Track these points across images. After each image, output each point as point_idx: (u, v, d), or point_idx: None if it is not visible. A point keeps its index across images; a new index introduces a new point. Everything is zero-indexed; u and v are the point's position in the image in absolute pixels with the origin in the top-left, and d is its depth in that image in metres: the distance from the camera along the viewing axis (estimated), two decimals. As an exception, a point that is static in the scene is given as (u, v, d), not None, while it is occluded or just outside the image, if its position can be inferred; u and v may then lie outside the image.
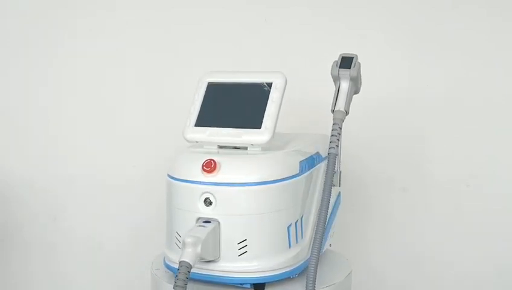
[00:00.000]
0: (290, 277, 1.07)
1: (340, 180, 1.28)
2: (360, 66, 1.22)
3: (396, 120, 1.65)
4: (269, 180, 1.03)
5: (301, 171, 1.09)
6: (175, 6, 1.62)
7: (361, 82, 1.25)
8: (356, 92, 1.25)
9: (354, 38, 1.63)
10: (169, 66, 1.62)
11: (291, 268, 1.07)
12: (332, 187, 1.19)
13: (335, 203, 1.29)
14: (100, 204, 1.65)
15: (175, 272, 1.02)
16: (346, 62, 1.22)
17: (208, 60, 1.60)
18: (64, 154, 1.63)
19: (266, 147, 1.09)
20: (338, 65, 1.22)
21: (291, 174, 1.06)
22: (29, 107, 1.62)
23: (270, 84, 1.12)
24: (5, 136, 1.63)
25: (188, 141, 1.13)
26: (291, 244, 1.06)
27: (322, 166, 1.20)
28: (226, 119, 1.11)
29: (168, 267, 1.11)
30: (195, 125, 1.12)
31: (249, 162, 1.05)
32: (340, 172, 1.27)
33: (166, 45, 1.62)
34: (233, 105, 1.13)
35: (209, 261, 1.03)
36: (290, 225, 1.06)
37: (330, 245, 1.29)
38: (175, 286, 0.94)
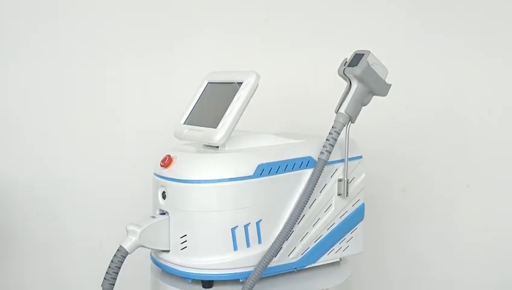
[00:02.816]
0: (239, 280, 1.07)
1: (347, 190, 1.16)
2: (368, 65, 1.10)
3: (395, 120, 1.64)
4: (211, 179, 1.04)
5: (258, 174, 1.06)
6: (174, 6, 1.61)
7: (381, 83, 1.13)
8: (376, 93, 1.13)
9: (354, 39, 1.62)
10: (169, 66, 1.63)
11: (236, 271, 1.06)
12: (339, 197, 1.16)
13: (350, 215, 1.20)
14: (100, 204, 1.64)
15: (161, 266, 1.13)
16: (355, 60, 1.12)
17: (209, 60, 1.60)
18: (64, 154, 1.63)
19: (235, 148, 1.09)
20: (347, 63, 1.12)
21: (238, 176, 1.04)
22: (29, 108, 1.62)
23: (240, 84, 1.11)
24: (4, 137, 1.62)
25: (175, 137, 1.19)
26: (238, 247, 1.05)
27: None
28: (203, 118, 1.15)
29: (153, 260, 1.16)
30: (184, 123, 1.18)
31: (197, 161, 1.07)
32: (347, 180, 1.16)
33: (167, 44, 1.63)
34: (213, 104, 1.16)
35: (164, 251, 1.09)
36: (235, 227, 1.05)
37: (340, 259, 1.22)
38: (108, 268, 1.04)
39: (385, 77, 1.14)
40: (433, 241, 1.68)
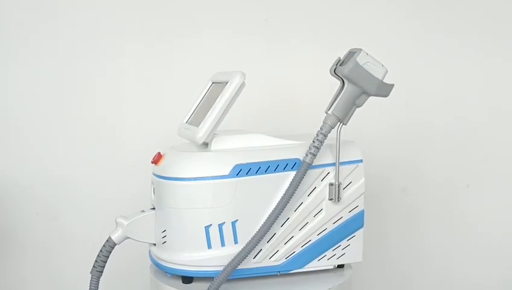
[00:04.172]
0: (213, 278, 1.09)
1: (338, 195, 1.11)
2: (356, 64, 1.04)
3: (395, 120, 1.64)
4: (185, 177, 1.06)
5: (234, 174, 1.07)
6: (174, 7, 1.61)
7: (376, 83, 1.05)
8: (371, 94, 1.06)
9: (354, 39, 1.62)
10: (169, 66, 1.63)
11: (210, 269, 1.07)
12: (331, 202, 1.11)
13: (346, 222, 1.14)
14: (100, 204, 1.64)
15: (150, 259, 1.17)
16: (346, 59, 1.07)
17: (209, 61, 1.60)
18: (64, 154, 1.63)
19: (221, 147, 1.11)
20: (339, 62, 1.07)
21: (213, 175, 1.06)
22: (29, 108, 1.62)
23: (226, 84, 1.13)
24: (4, 137, 1.62)
25: (178, 136, 1.22)
26: (212, 246, 1.07)
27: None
28: (196, 118, 1.18)
29: (149, 254, 1.20)
30: (185, 122, 1.21)
31: (177, 159, 1.10)
32: (338, 185, 1.11)
33: (167, 45, 1.63)
34: (207, 104, 1.18)
35: (154, 244, 1.14)
36: (209, 226, 1.07)
37: (335, 266, 1.16)
38: (97, 257, 1.13)
39: (383, 77, 1.08)
40: (433, 241, 1.68)
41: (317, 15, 1.65)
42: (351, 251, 1.16)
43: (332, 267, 1.16)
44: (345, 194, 1.13)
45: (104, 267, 1.14)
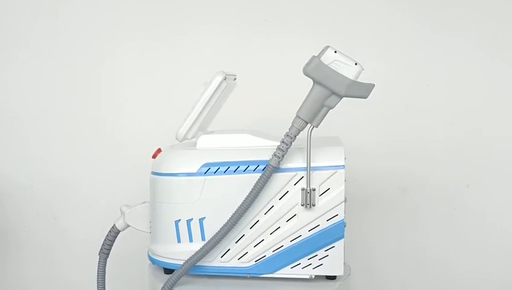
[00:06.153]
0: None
1: (310, 201, 1.05)
2: (319, 63, 0.97)
3: (395, 120, 1.64)
4: (160, 172, 1.13)
5: (202, 172, 1.10)
6: (174, 8, 1.61)
7: (347, 84, 0.97)
8: (343, 95, 0.98)
9: (355, 39, 1.62)
10: (169, 67, 1.63)
11: (179, 263, 1.11)
12: (304, 208, 1.06)
13: (323, 230, 1.07)
14: (100, 204, 1.65)
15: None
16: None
17: (210, 61, 1.60)
18: (64, 154, 1.63)
19: (204, 146, 1.14)
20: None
21: (182, 172, 1.11)
22: (29, 108, 1.63)
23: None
24: (4, 137, 1.62)
25: None
26: (181, 241, 1.12)
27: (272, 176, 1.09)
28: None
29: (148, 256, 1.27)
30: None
31: (162, 156, 1.16)
32: (309, 190, 1.05)
33: (167, 46, 1.64)
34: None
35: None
36: (178, 221, 1.12)
37: (312, 277, 1.10)
38: (104, 241, 1.23)
39: (355, 76, 1.00)
40: (432, 241, 1.68)
41: (317, 15, 1.66)
42: (329, 262, 1.09)
43: (308, 277, 1.10)
44: (321, 201, 1.07)
45: (110, 250, 1.25)
